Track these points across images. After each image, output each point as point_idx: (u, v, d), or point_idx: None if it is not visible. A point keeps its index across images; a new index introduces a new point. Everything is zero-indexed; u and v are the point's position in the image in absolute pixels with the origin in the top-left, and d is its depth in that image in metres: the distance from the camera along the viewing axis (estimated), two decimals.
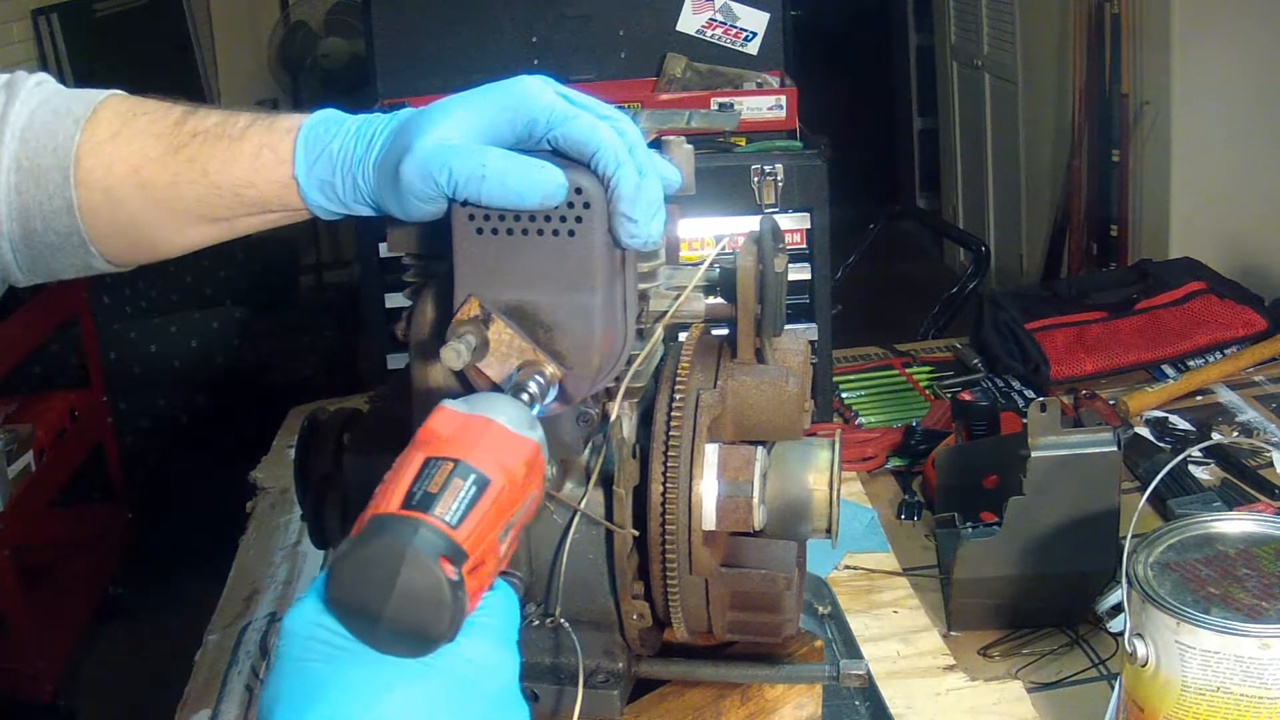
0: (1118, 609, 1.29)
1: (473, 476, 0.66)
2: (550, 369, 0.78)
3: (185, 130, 0.87)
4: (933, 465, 1.63)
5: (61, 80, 0.91)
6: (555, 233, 0.78)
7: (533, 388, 0.76)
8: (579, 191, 0.77)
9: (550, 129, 0.78)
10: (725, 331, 0.92)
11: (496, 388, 0.78)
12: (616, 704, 0.92)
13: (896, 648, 1.36)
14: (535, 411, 0.75)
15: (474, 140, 0.78)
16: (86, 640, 3.36)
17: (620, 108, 0.83)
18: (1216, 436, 1.78)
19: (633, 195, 0.77)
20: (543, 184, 0.76)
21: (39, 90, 0.90)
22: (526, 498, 0.69)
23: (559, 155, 0.79)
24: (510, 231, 0.78)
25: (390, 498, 0.65)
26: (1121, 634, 1.01)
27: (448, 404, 0.70)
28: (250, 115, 0.87)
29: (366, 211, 0.85)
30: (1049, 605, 1.37)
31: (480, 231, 0.78)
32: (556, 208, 0.77)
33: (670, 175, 0.83)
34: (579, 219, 0.77)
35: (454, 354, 0.75)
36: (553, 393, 0.78)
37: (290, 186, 0.85)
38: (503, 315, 0.78)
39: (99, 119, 0.88)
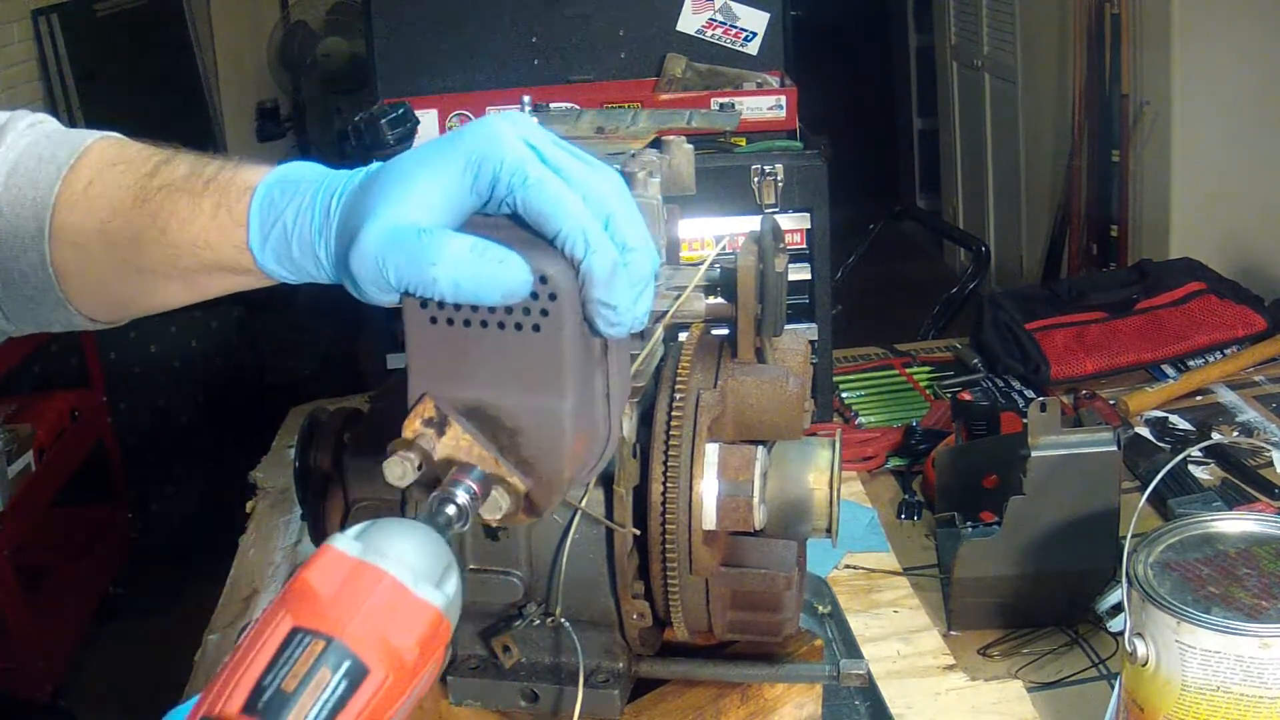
0: (1118, 608, 1.29)
1: (346, 665, 0.54)
2: (512, 480, 0.67)
3: (155, 182, 0.78)
4: (933, 465, 1.64)
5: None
6: (518, 326, 0.65)
7: (460, 498, 0.65)
8: (544, 280, 0.64)
9: (511, 192, 0.66)
10: (725, 331, 0.92)
11: None
12: (616, 703, 0.92)
13: (896, 647, 1.36)
14: (459, 527, 0.64)
15: (431, 212, 0.66)
16: (86, 640, 3.36)
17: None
18: (1216, 436, 1.78)
19: (607, 279, 0.65)
20: (503, 282, 0.63)
21: (30, 132, 0.83)
22: (416, 685, 0.57)
23: (520, 222, 0.67)
24: (467, 323, 0.66)
25: (233, 691, 0.52)
26: (1121, 633, 1.01)
27: (338, 542, 0.58)
28: (219, 164, 0.78)
29: (330, 282, 0.74)
30: (1049, 605, 1.37)
31: (434, 321, 0.66)
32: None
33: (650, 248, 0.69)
34: (544, 312, 0.65)
35: (398, 472, 0.66)
36: (507, 504, 0.68)
37: (248, 252, 0.75)
38: (460, 417, 0.67)
39: (80, 167, 0.80)
